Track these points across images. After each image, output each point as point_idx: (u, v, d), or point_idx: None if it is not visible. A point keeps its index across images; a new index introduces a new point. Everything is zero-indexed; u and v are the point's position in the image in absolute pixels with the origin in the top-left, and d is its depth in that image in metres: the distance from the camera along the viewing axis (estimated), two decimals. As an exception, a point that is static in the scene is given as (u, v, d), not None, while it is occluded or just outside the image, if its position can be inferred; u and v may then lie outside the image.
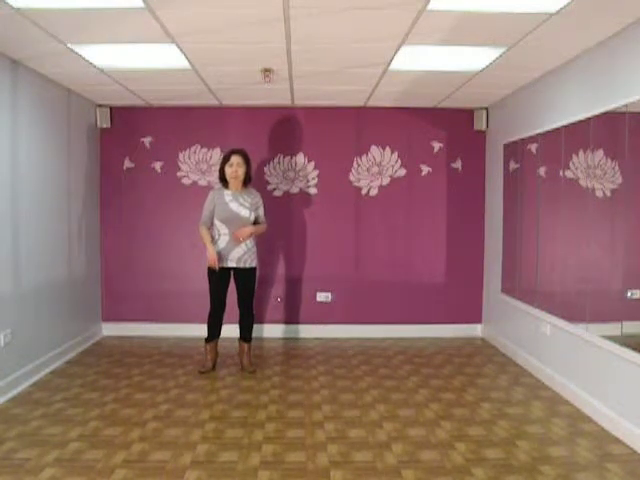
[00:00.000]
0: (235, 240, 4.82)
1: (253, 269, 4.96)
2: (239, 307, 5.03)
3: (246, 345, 5.05)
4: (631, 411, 3.48)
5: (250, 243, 4.90)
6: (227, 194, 4.88)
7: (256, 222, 4.96)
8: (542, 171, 4.88)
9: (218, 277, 4.85)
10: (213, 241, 4.85)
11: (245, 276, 4.93)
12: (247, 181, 4.96)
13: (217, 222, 4.87)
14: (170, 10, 3.30)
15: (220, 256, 4.82)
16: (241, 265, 4.88)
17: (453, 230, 6.39)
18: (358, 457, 3.32)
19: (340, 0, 3.15)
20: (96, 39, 3.87)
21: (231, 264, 4.86)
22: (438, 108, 6.25)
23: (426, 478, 3.06)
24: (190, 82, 5.08)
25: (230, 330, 6.09)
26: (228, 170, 4.85)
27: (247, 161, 4.91)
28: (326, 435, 3.63)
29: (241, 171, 4.85)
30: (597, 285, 4.03)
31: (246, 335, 5.05)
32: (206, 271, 4.90)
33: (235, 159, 4.84)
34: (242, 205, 4.86)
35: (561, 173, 4.48)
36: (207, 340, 5.02)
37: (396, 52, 4.14)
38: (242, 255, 4.86)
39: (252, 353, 5.17)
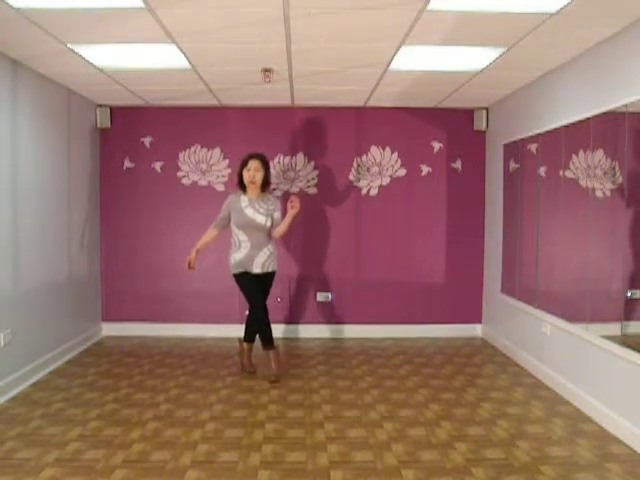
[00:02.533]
0: (294, 206, 4.67)
1: (274, 273, 4.92)
2: None
3: (271, 352, 4.79)
4: (631, 411, 3.48)
5: (272, 247, 4.85)
6: (244, 200, 4.78)
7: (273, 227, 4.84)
8: (542, 171, 4.88)
9: (248, 281, 4.77)
10: (233, 249, 4.78)
11: (266, 280, 4.87)
12: (265, 186, 4.85)
13: (235, 229, 4.78)
14: (170, 10, 3.30)
15: (243, 264, 4.74)
16: (264, 270, 4.80)
17: (453, 230, 6.39)
18: (358, 457, 3.31)
19: (340, 0, 3.15)
20: (96, 39, 3.87)
21: (256, 270, 4.76)
22: (438, 108, 6.25)
23: (426, 478, 3.06)
24: (190, 82, 5.08)
25: (229, 330, 6.10)
26: (245, 175, 4.74)
27: (265, 166, 4.80)
28: (326, 435, 3.62)
29: (259, 176, 4.73)
30: (597, 285, 4.03)
31: (265, 342, 4.80)
32: (233, 277, 4.83)
33: (253, 164, 4.73)
34: (257, 211, 4.74)
35: (561, 173, 4.48)
36: (247, 340, 4.99)
37: (396, 52, 4.14)
38: (265, 260, 4.78)
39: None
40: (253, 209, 4.75)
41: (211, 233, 4.89)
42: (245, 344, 5.00)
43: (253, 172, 4.72)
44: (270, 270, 4.85)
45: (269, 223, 4.77)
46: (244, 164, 4.77)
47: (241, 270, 4.76)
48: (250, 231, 4.74)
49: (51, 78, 4.97)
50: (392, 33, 3.72)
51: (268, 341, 4.78)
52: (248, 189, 4.79)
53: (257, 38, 3.84)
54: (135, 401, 4.22)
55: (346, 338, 6.27)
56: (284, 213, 4.94)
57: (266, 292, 4.90)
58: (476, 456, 3.32)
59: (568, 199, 4.43)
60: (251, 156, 4.79)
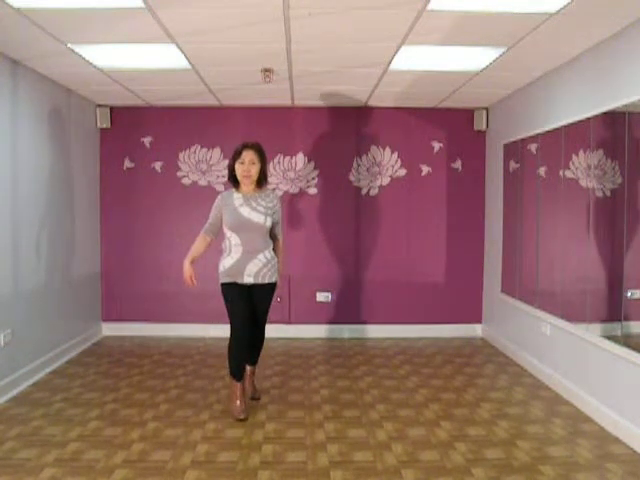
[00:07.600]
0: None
1: (273, 285, 4.15)
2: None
3: (250, 368, 4.27)
4: (631, 411, 3.48)
5: (270, 254, 4.09)
6: (237, 197, 4.05)
7: (272, 233, 4.17)
8: (542, 171, 4.88)
9: (236, 294, 4.02)
10: (223, 255, 4.07)
11: (263, 293, 4.11)
12: (262, 181, 4.11)
13: (227, 231, 4.05)
14: (170, 10, 3.30)
15: (232, 272, 4.01)
16: (259, 281, 4.04)
17: (453, 230, 6.39)
18: (358, 457, 3.31)
19: (340, 0, 3.15)
20: (96, 39, 3.87)
21: (248, 280, 4.01)
22: (438, 108, 6.25)
23: (426, 478, 3.06)
24: (190, 82, 5.08)
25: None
26: (239, 168, 4.00)
27: (262, 157, 4.06)
28: (326, 435, 3.62)
29: (255, 169, 4.00)
30: (597, 285, 4.03)
31: (255, 358, 4.28)
32: (220, 287, 4.09)
33: (248, 155, 3.99)
34: (255, 210, 4.01)
35: (561, 173, 4.48)
36: (234, 376, 4.00)
37: (396, 52, 4.14)
38: (260, 269, 4.02)
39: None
40: (249, 207, 4.02)
41: (203, 240, 4.13)
42: (235, 383, 4.02)
43: (248, 165, 4.00)
44: (267, 281, 4.07)
45: (269, 222, 4.06)
46: (237, 155, 4.03)
47: (229, 280, 4.03)
48: (245, 234, 4.01)
49: (51, 78, 4.97)
50: (392, 33, 3.72)
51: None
52: (241, 185, 4.07)
53: (257, 38, 3.84)
54: (135, 401, 4.22)
55: (346, 338, 6.27)
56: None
57: (263, 308, 4.15)
58: (476, 456, 3.32)
59: (568, 199, 4.43)
60: (245, 146, 4.04)
